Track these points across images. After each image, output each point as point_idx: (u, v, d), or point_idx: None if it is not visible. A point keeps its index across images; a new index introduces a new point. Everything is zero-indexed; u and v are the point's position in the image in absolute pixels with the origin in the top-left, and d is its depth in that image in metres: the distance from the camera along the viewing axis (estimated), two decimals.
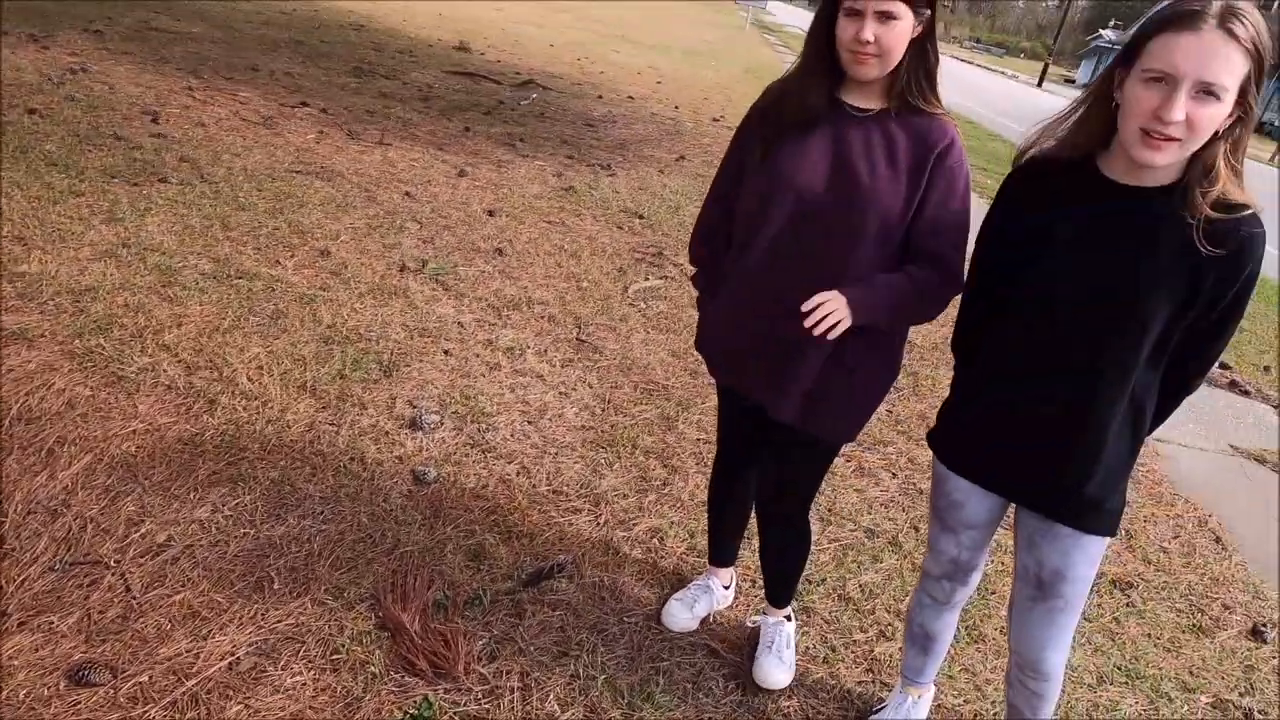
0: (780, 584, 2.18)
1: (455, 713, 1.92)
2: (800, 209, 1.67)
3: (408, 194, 5.31)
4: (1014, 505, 1.73)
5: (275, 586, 2.19)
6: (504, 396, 3.25)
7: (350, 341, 3.37)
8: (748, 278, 1.78)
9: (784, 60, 20.25)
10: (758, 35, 30.25)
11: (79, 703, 1.83)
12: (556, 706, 1.99)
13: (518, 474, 2.82)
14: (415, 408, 3.04)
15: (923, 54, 1.62)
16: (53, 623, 2.04)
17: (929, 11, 1.58)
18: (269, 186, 4.83)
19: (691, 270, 2.05)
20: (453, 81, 9.72)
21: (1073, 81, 51.88)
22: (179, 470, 2.54)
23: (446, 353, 3.47)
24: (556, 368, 3.57)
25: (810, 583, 2.58)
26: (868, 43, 1.54)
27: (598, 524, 2.67)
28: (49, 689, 1.86)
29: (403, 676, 2.00)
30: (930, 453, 1.81)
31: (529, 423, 3.12)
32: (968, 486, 1.73)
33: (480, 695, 1.98)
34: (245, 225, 4.20)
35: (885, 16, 1.53)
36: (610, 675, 2.11)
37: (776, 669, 2.14)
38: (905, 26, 1.56)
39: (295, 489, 2.53)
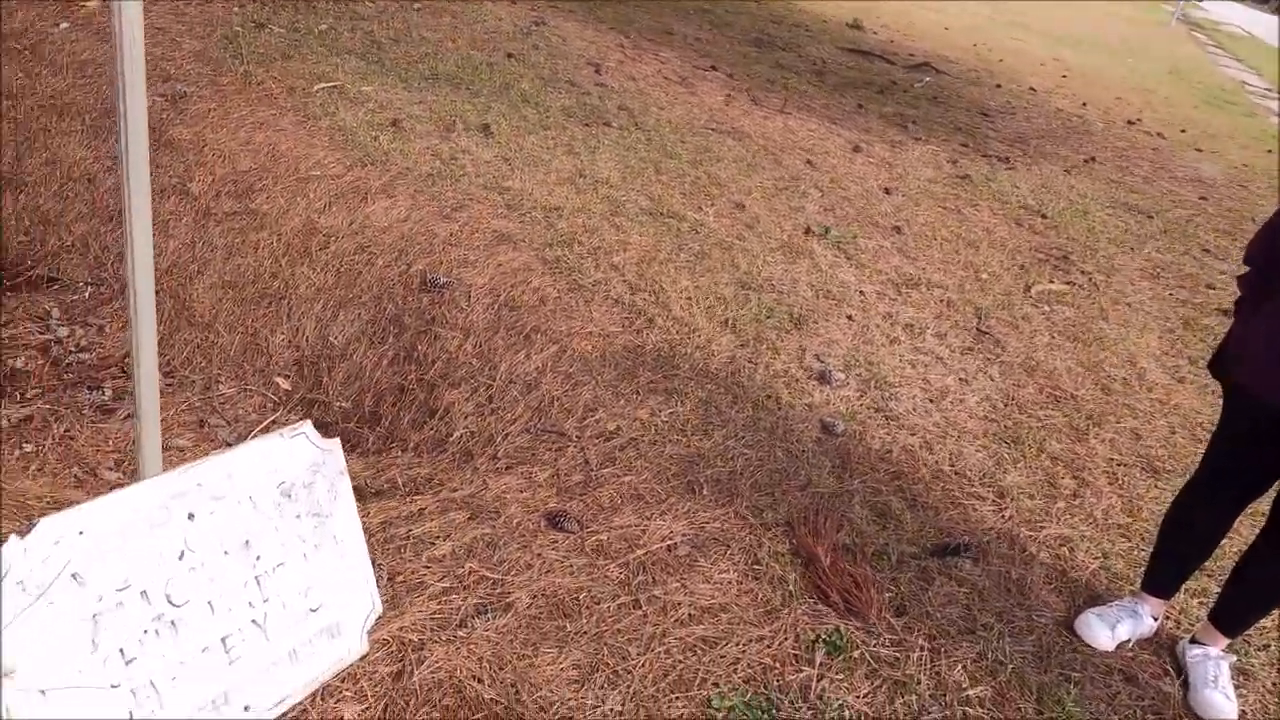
0: (1247, 610, 1.96)
1: (865, 651, 2.00)
2: None
3: (809, 162, 5.44)
4: None
5: (704, 492, 2.43)
6: (905, 370, 3.25)
7: (764, 290, 3.56)
8: None
9: (1216, 62, 17.37)
10: (1184, 32, 26.21)
11: (556, 543, 2.19)
12: (965, 678, 1.98)
13: (920, 447, 2.81)
14: (822, 362, 3.15)
15: None
16: (532, 473, 2.46)
17: None
18: (690, 140, 5.22)
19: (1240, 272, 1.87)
20: (845, 58, 9.70)
21: None
22: (624, 373, 2.90)
23: (849, 318, 3.53)
24: (955, 353, 3.48)
25: (1251, 645, 2.28)
26: None
27: (1002, 516, 2.58)
28: (533, 524, 2.24)
29: (815, 603, 2.12)
30: None
31: (930, 401, 3.09)
32: None
33: (889, 643, 2.03)
34: (673, 171, 4.60)
35: None
36: (1018, 667, 2.05)
37: (1224, 703, 1.93)
38: None
39: (720, 411, 2.76)
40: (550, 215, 3.78)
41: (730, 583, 2.13)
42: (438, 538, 2.14)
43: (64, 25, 4.66)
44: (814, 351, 3.22)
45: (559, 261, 3.45)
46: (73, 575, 1.30)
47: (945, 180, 5.83)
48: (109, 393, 3.27)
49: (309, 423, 1.71)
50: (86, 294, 3.82)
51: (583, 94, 5.57)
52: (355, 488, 1.81)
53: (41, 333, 3.57)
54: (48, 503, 2.29)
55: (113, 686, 1.34)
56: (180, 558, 1.45)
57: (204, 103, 4.34)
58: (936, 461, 2.76)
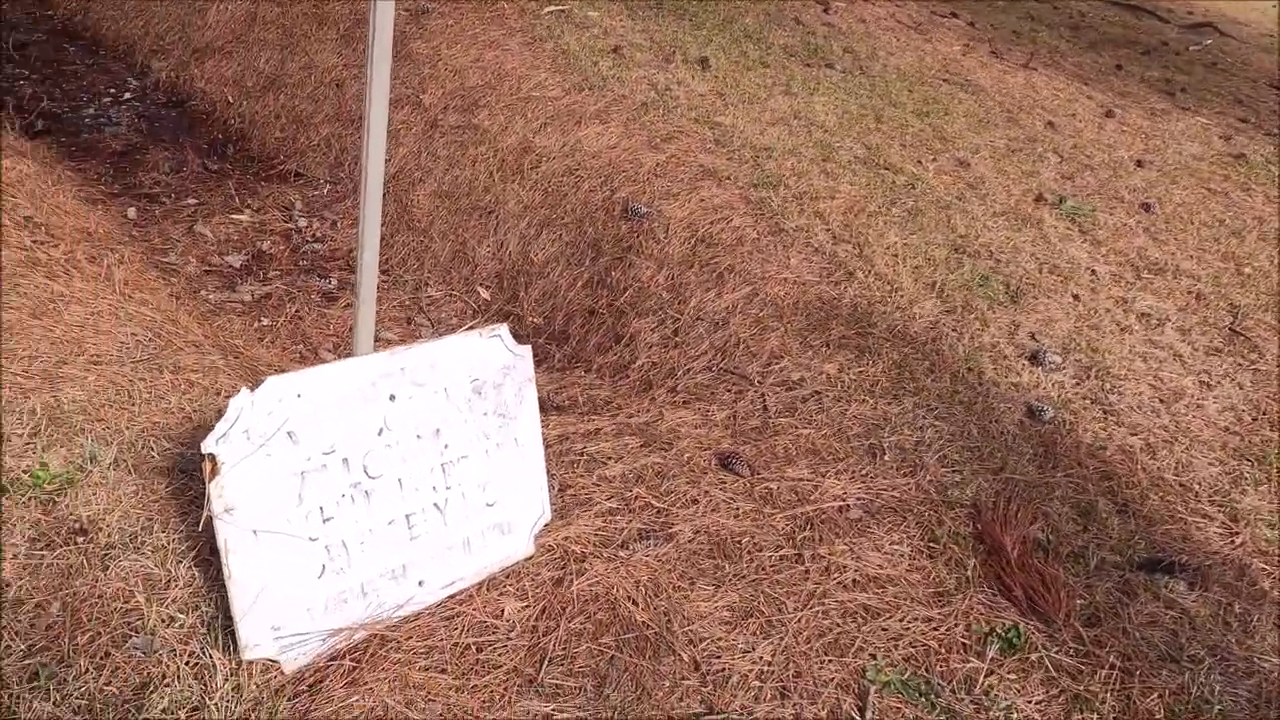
0: None
1: (1045, 656, 1.83)
2: None
3: (1050, 124, 4.91)
4: None
5: (885, 458, 2.29)
6: (1134, 364, 2.89)
7: (980, 256, 3.28)
8: None
9: None
10: None
11: (724, 483, 2.15)
12: (1160, 709, 1.77)
13: (1140, 449, 2.50)
14: (1037, 342, 2.86)
15: None
16: (709, 410, 2.42)
17: None
18: (918, 89, 4.86)
19: None
20: (1110, 12, 8.64)
21: None
22: (815, 324, 2.78)
23: (1075, 297, 3.18)
24: (1200, 353, 3.05)
25: None
26: None
27: (1232, 542, 2.25)
28: (704, 461, 2.21)
29: (994, 594, 1.96)
30: None
31: (1160, 401, 2.74)
32: None
33: (1074, 653, 1.85)
34: (894, 121, 4.31)
35: None
36: (1227, 710, 1.80)
37: None
38: None
39: (914, 377, 2.59)
40: (759, 155, 3.67)
41: (902, 555, 2.01)
42: (610, 459, 2.17)
43: None
44: (1028, 329, 2.93)
45: (762, 203, 3.34)
46: (289, 433, 1.41)
47: (1214, 158, 5.08)
48: (334, 281, 3.56)
49: (505, 326, 1.76)
50: (325, 190, 4.17)
51: (807, 33, 5.32)
52: (538, 399, 1.86)
53: (285, 221, 3.95)
54: (275, 371, 2.54)
55: (310, 539, 1.45)
56: (379, 434, 1.54)
57: (443, 19, 4.55)
58: (1159, 468, 2.44)
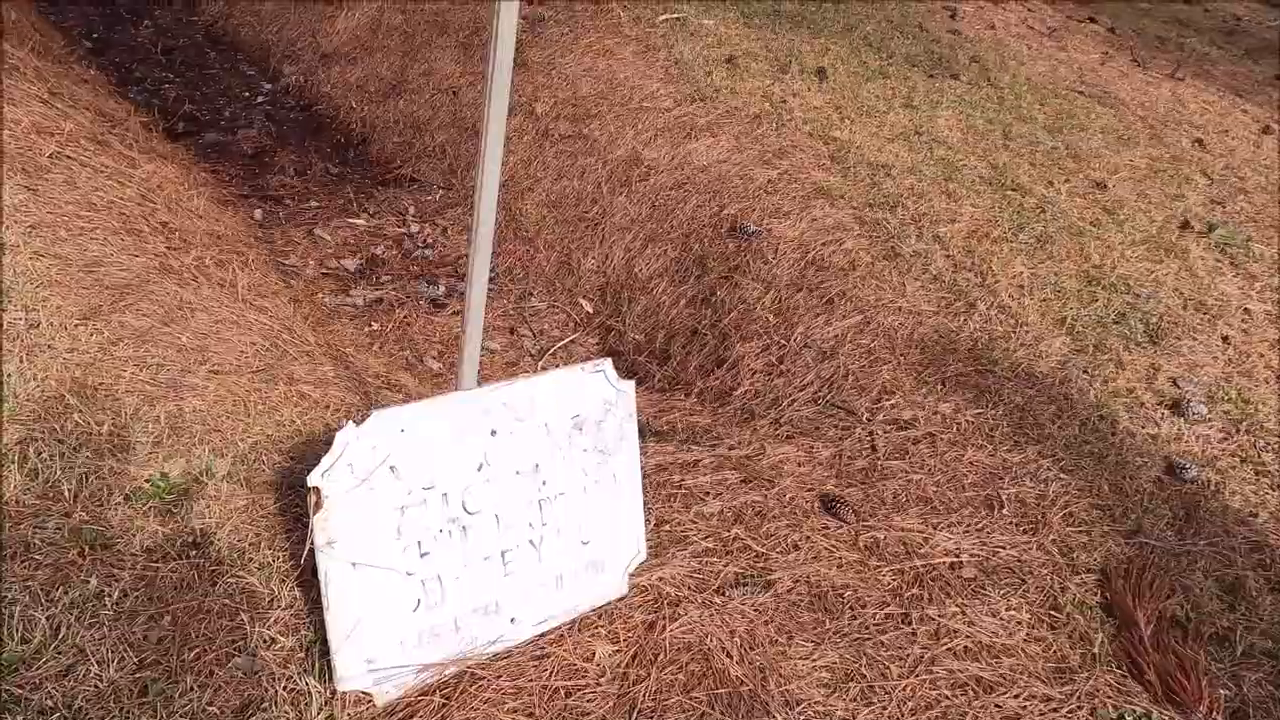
0: None
1: None
2: None
3: (1198, 141, 4.53)
4: None
5: (1004, 511, 2.14)
6: None
7: (1116, 290, 3.04)
8: None
9: None
10: None
11: (827, 529, 2.05)
12: None
13: None
14: (1180, 389, 2.62)
15: None
16: (814, 447, 2.32)
17: None
18: (1050, 102, 4.57)
19: None
20: (1268, 14, 7.95)
21: None
22: (931, 359, 2.63)
23: (1225, 339, 2.90)
24: None
25: None
26: None
27: None
28: (807, 503, 2.12)
29: (1124, 676, 1.79)
30: None
31: None
32: None
33: None
34: (1024, 138, 4.06)
35: None
36: None
37: None
38: None
39: (1039, 423, 2.41)
40: (876, 173, 3.51)
41: (1020, 624, 1.86)
42: (708, 494, 2.10)
43: None
44: (1170, 373, 2.69)
45: (878, 224, 3.20)
46: (391, 467, 1.40)
47: None
48: (442, 288, 3.62)
49: (609, 361, 1.72)
50: (437, 195, 4.25)
51: (932, 41, 5.08)
52: (637, 425, 1.81)
53: (399, 226, 4.04)
54: (381, 382, 2.59)
55: (407, 574, 1.45)
56: (479, 469, 1.52)
57: (559, 27, 4.57)
58: None
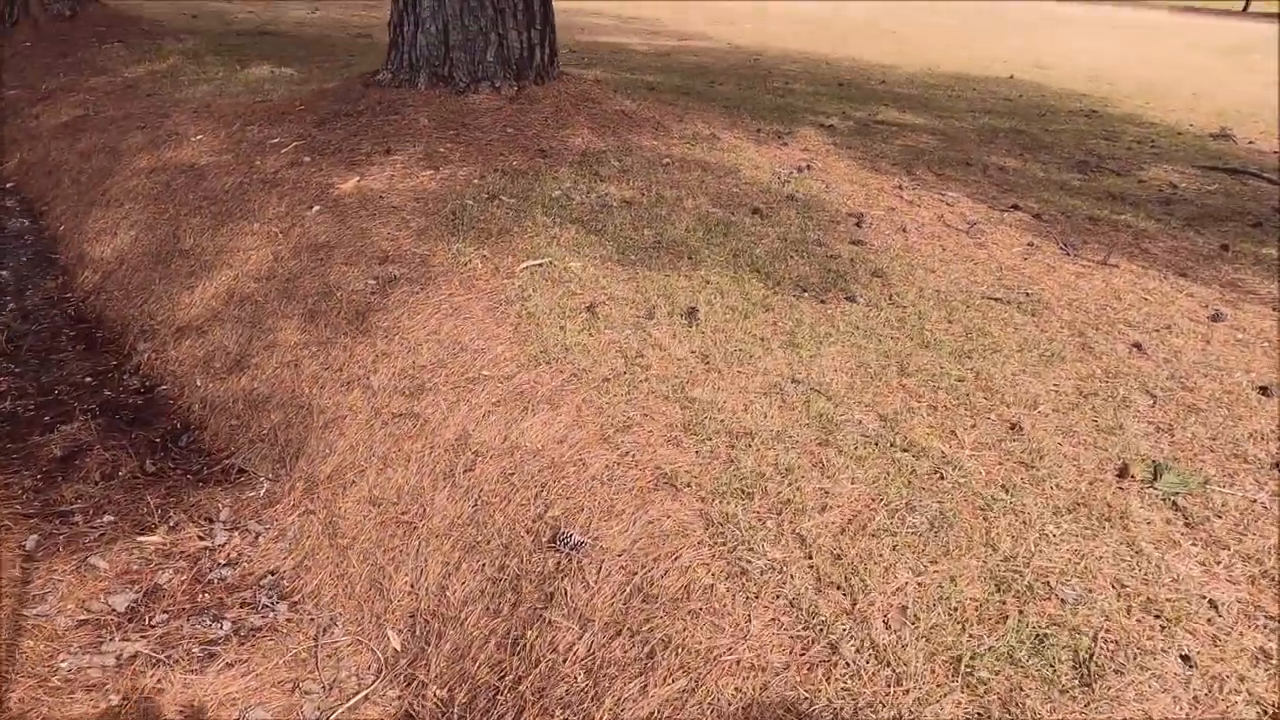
0: None
1: None
2: None
3: (1136, 345, 3.98)
4: None
5: None
6: None
7: (1033, 596, 2.33)
8: None
9: None
10: None
11: None
12: None
13: None
14: None
15: None
16: None
17: None
18: (961, 316, 4.06)
19: None
20: (1205, 181, 7.72)
21: None
22: None
23: (1186, 659, 2.16)
24: None
25: None
26: None
27: None
28: None
29: None
30: None
31: None
32: None
33: None
34: (926, 370, 3.50)
35: None
36: None
37: None
38: None
39: None
40: (735, 444, 2.92)
41: None
42: None
43: (316, 209, 4.87)
44: None
45: (727, 523, 2.56)
46: None
47: None
48: (226, 627, 2.94)
49: None
50: (262, 491, 3.66)
51: (829, 257, 4.68)
52: None
53: (201, 538, 3.43)
54: None
55: None
56: None
57: (410, 285, 4.18)
58: None
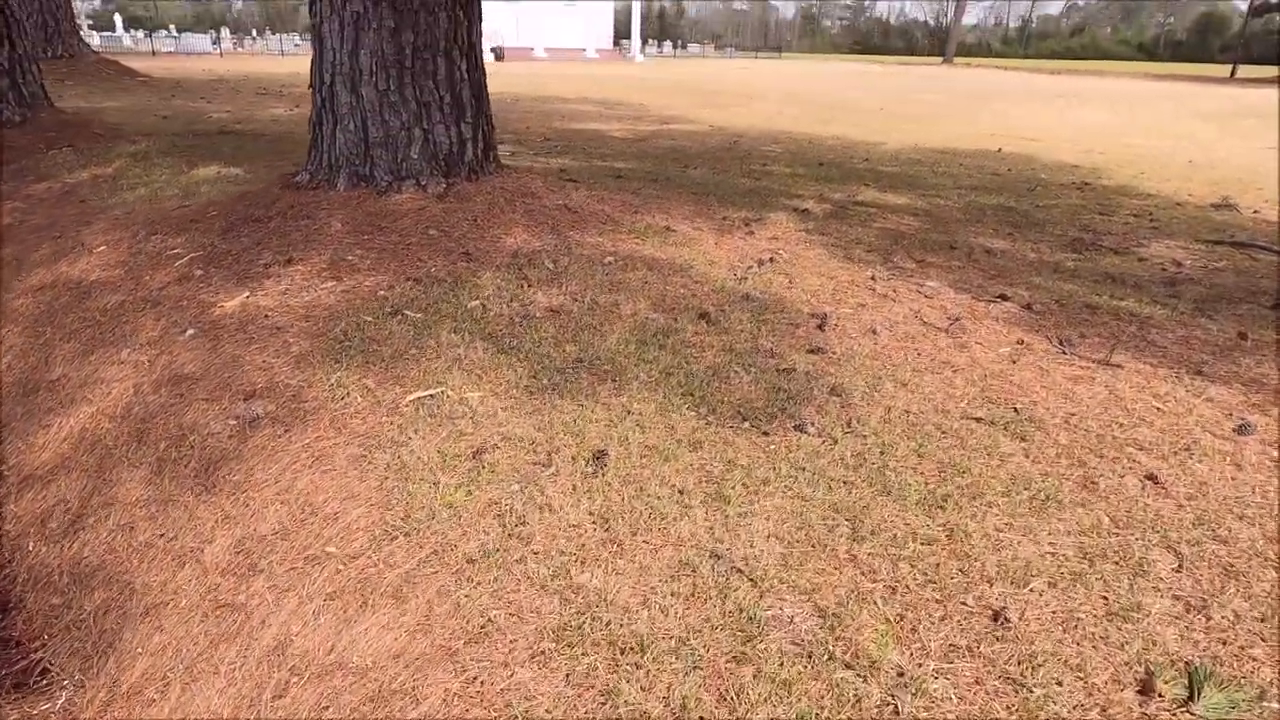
0: None
1: None
2: None
3: (1151, 478, 3.24)
4: None
5: None
6: None
7: None
8: None
9: None
10: None
11: None
12: None
13: None
14: None
15: None
16: None
17: None
18: (934, 447, 3.34)
19: None
20: (1211, 257, 7.07)
21: None
22: None
23: None
24: None
25: None
26: None
27: None
28: None
29: None
30: None
31: None
32: None
33: None
34: (885, 531, 2.77)
35: None
36: None
37: None
38: None
39: None
40: (620, 664, 2.17)
41: None
42: None
43: (190, 332, 4.25)
44: None
45: None
46: None
47: None
48: None
49: None
50: (58, 703, 2.92)
51: (781, 372, 4.00)
52: None
53: None
54: None
55: None
56: None
57: (274, 427, 3.51)
58: None
